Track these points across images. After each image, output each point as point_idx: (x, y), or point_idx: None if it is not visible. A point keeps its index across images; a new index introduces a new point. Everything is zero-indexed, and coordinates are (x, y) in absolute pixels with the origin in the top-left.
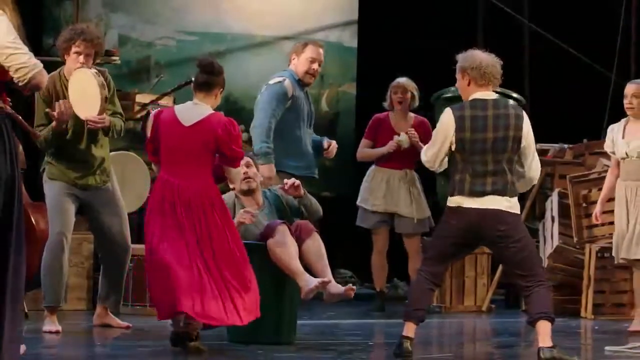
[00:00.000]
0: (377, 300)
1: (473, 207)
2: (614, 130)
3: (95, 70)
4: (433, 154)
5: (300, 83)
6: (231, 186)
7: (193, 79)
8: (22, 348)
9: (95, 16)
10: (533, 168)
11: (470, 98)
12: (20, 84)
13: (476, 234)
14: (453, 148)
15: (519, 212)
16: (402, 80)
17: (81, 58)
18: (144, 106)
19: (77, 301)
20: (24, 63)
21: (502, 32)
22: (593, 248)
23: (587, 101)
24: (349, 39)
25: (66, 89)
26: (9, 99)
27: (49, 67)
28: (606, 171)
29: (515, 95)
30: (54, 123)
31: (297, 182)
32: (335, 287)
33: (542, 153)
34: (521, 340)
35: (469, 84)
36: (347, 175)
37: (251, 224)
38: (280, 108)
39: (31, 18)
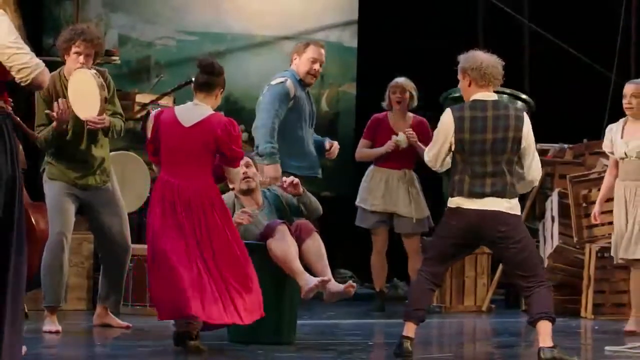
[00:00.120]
0: (377, 300)
1: (473, 208)
2: (612, 130)
3: (95, 71)
4: (433, 155)
5: (302, 83)
6: (231, 186)
7: (193, 79)
8: (23, 349)
9: (95, 16)
10: (533, 169)
11: (471, 99)
12: (22, 84)
13: (476, 234)
14: (453, 149)
15: (519, 213)
16: (401, 80)
17: (81, 58)
18: (144, 106)
19: (77, 301)
20: (25, 63)
21: (502, 32)
22: (593, 248)
23: (587, 101)
24: (349, 39)
25: (66, 89)
26: (10, 99)
27: (49, 67)
28: (606, 171)
29: (523, 96)
30: (54, 123)
31: (296, 180)
32: (335, 286)
33: (542, 153)
34: (521, 340)
35: (469, 85)
36: (347, 175)
37: (251, 224)
38: (282, 108)
39: (31, 18)
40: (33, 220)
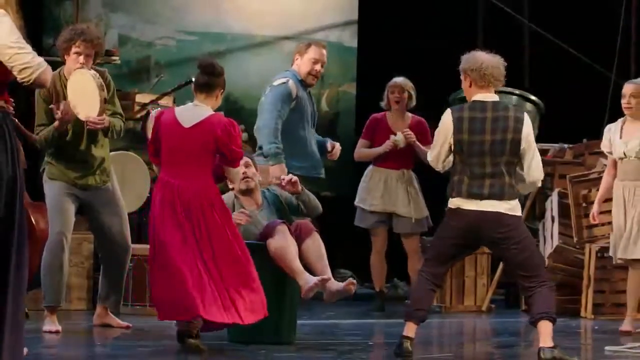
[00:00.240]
0: (376, 300)
1: (472, 209)
2: (611, 130)
3: (94, 72)
4: (434, 156)
5: (303, 83)
6: (230, 186)
7: (193, 79)
8: (25, 350)
9: (95, 16)
10: (533, 171)
11: (472, 99)
12: (24, 84)
13: (476, 234)
14: (452, 149)
15: (519, 214)
16: (399, 79)
17: (81, 58)
18: (144, 106)
19: (77, 301)
20: (27, 63)
21: (502, 32)
22: (593, 248)
23: (587, 101)
24: (349, 39)
25: (66, 88)
26: (12, 100)
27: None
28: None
29: (533, 98)
30: (56, 123)
31: (295, 178)
32: (335, 284)
33: (542, 153)
34: (521, 340)
35: (470, 86)
36: (347, 175)
37: (250, 224)
38: (285, 109)
39: (31, 18)
40: (33, 220)
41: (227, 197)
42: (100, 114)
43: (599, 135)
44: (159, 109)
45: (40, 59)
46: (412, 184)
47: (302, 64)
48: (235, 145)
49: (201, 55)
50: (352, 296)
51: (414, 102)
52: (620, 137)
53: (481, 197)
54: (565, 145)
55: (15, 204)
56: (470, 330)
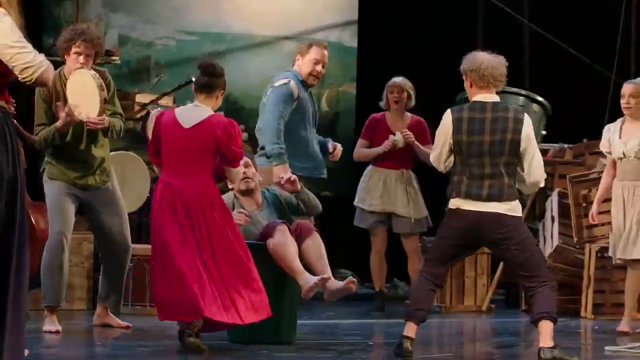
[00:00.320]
0: (376, 300)
1: (472, 209)
2: (610, 130)
3: (94, 72)
4: (436, 156)
5: (304, 84)
6: (230, 186)
7: (193, 79)
8: (25, 352)
9: (95, 16)
10: (533, 172)
11: (472, 100)
12: (26, 83)
13: (476, 235)
14: (452, 150)
15: (519, 215)
16: (398, 79)
17: (81, 58)
18: (144, 106)
19: (77, 301)
20: (29, 62)
21: (502, 32)
22: (593, 248)
23: (587, 101)
24: (349, 39)
25: (66, 88)
26: (13, 100)
27: None
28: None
29: (539, 98)
30: (58, 123)
31: (294, 176)
32: (335, 283)
33: (542, 153)
34: (521, 340)
35: (471, 86)
36: (347, 175)
37: (250, 224)
38: (287, 109)
39: (31, 18)
40: (33, 220)
41: (227, 197)
42: (100, 114)
43: (599, 135)
44: (159, 109)
45: (42, 58)
46: (411, 184)
47: (303, 65)
48: (235, 145)
49: (201, 55)
50: (352, 295)
51: (413, 102)
52: (620, 137)
53: (480, 198)
54: (565, 145)
55: (16, 204)
56: (470, 330)
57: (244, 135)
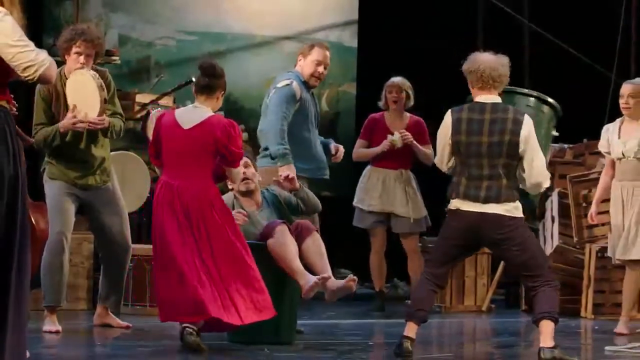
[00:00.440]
0: (376, 300)
1: (472, 210)
2: (609, 131)
3: (94, 72)
4: (438, 157)
5: (306, 85)
6: (230, 186)
7: (193, 79)
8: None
9: (95, 16)
10: (535, 173)
11: (474, 101)
12: (29, 81)
13: (476, 235)
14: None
15: (519, 215)
16: (397, 79)
17: (82, 58)
18: (144, 106)
19: (77, 301)
20: (31, 60)
21: (502, 32)
22: (593, 248)
23: (587, 101)
24: (349, 39)
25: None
26: (14, 101)
27: None
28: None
29: (550, 100)
30: (63, 123)
31: (292, 174)
32: (336, 282)
33: None
34: (521, 340)
35: (472, 87)
36: (347, 175)
37: (249, 225)
38: (290, 110)
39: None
40: (33, 220)
41: (227, 198)
42: (100, 114)
43: (599, 135)
44: (159, 109)
45: (44, 55)
46: (410, 184)
47: (305, 66)
48: (235, 146)
49: (201, 55)
50: (352, 295)
51: (411, 102)
52: (619, 137)
53: (478, 199)
54: (565, 145)
55: (18, 204)
56: (470, 330)
57: (244, 135)
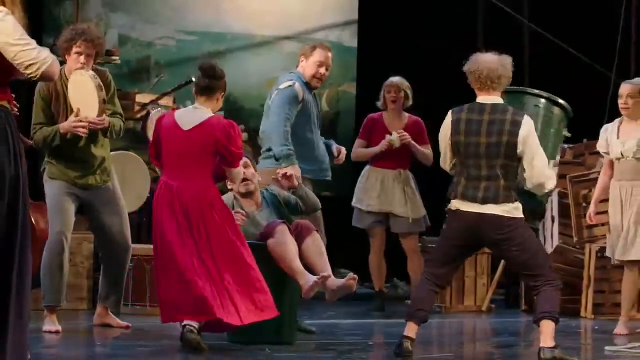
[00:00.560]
0: (376, 300)
1: (471, 211)
2: (608, 131)
3: (93, 72)
4: (442, 158)
5: (308, 86)
6: (230, 187)
7: (193, 79)
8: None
9: (95, 16)
10: (535, 175)
11: (475, 101)
12: (32, 79)
13: (476, 235)
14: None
15: (519, 216)
16: (396, 79)
17: (82, 58)
18: (144, 106)
19: (77, 301)
20: (33, 59)
21: (502, 32)
22: (593, 248)
23: (587, 101)
24: (349, 39)
25: (67, 88)
26: (15, 102)
27: None
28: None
29: (561, 101)
30: (65, 125)
31: (290, 172)
32: (336, 282)
33: None
34: (521, 340)
35: (473, 87)
36: (347, 175)
37: (250, 225)
38: (293, 112)
39: (31, 18)
40: (33, 220)
41: (227, 198)
42: (99, 114)
43: (599, 135)
44: (160, 109)
45: (46, 53)
46: (409, 184)
47: (307, 67)
48: (234, 146)
49: (201, 56)
50: (352, 295)
51: (410, 102)
52: (618, 137)
53: (476, 200)
54: (565, 145)
55: (19, 204)
56: (470, 330)
57: (244, 135)
